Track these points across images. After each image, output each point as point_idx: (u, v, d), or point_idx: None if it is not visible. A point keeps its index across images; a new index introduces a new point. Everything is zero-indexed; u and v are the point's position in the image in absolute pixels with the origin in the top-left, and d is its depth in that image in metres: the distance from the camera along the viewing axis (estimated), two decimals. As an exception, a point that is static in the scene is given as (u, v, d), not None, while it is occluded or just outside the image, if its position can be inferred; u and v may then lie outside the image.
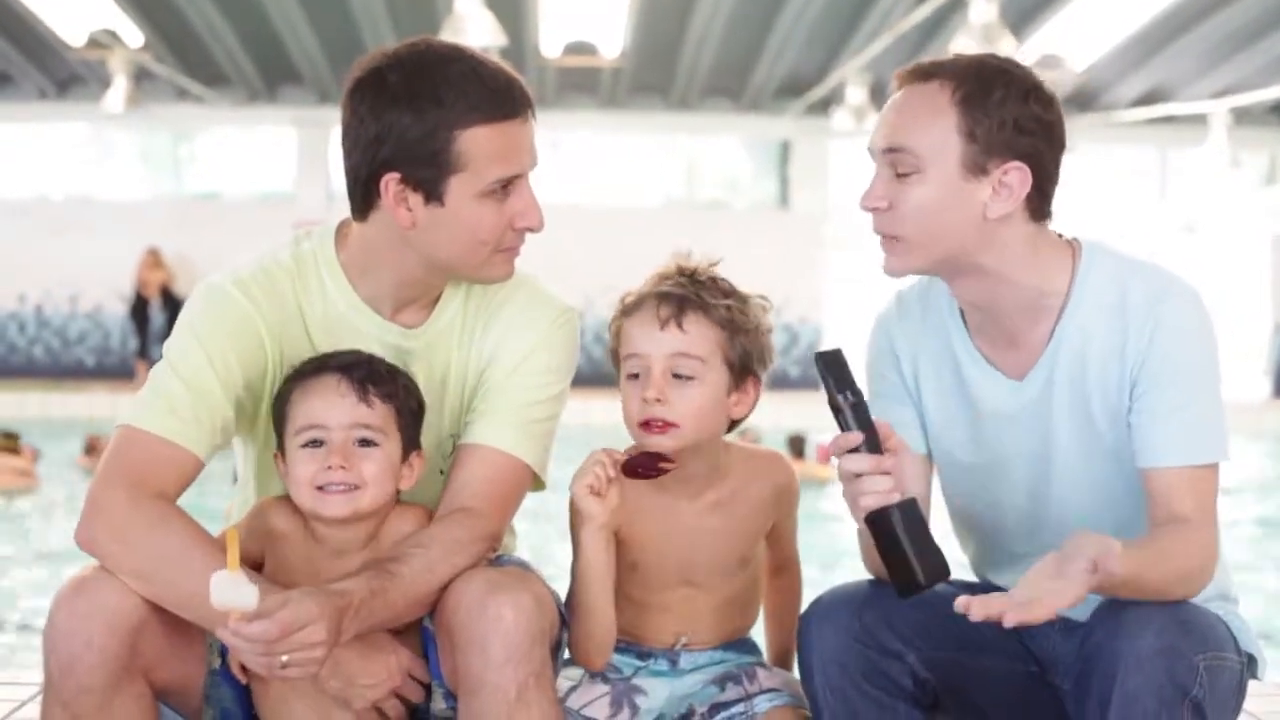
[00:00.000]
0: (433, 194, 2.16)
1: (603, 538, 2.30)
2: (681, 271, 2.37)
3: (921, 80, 2.15)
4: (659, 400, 2.28)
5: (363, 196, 2.21)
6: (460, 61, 2.17)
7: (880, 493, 2.02)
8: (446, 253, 2.21)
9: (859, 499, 2.03)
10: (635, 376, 2.33)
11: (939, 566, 2.02)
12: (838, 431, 2.07)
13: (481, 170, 2.16)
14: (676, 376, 2.30)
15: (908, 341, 2.34)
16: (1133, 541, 2.08)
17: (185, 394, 2.18)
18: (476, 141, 2.14)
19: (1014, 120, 2.10)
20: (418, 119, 2.13)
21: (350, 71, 2.21)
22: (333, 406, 2.18)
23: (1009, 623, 1.87)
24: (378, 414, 2.19)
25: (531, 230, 2.25)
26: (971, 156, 2.11)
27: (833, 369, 2.07)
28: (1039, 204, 2.16)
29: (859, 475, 2.03)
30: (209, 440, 2.20)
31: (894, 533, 2.02)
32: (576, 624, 2.31)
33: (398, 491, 2.24)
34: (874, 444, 2.05)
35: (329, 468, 2.16)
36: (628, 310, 2.37)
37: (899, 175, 2.14)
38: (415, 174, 2.15)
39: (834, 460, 2.08)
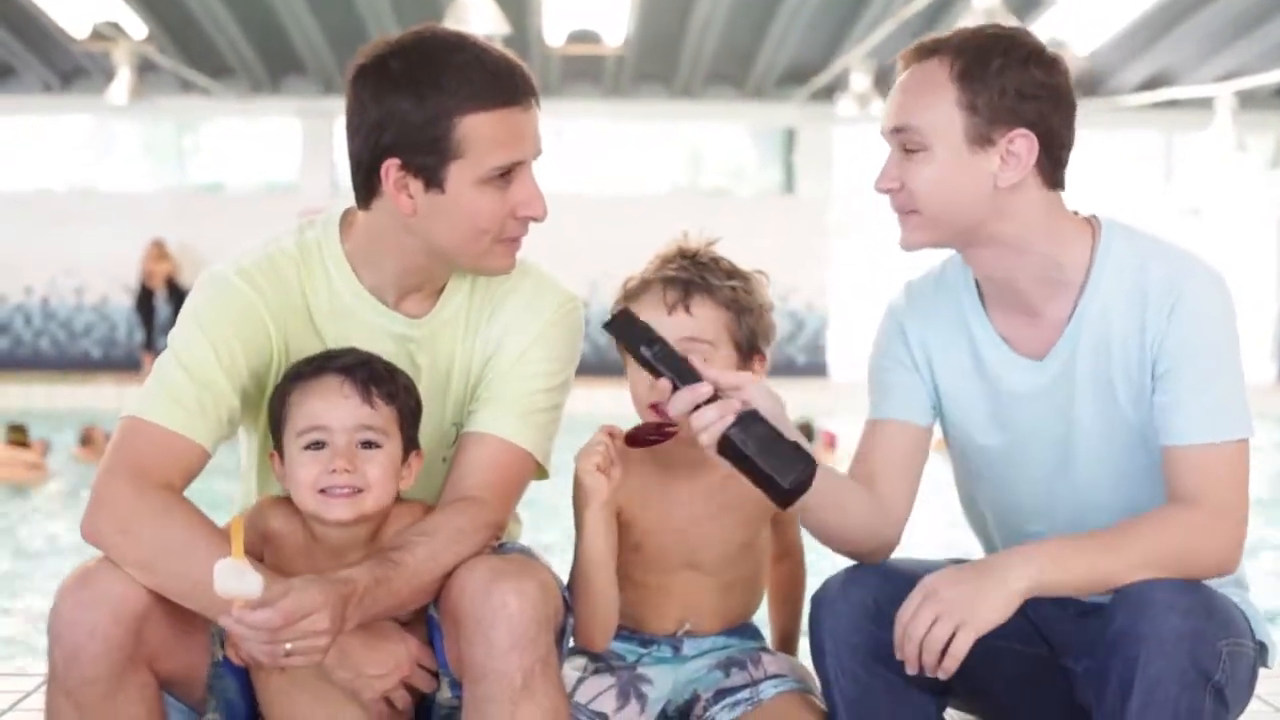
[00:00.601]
0: (433, 180, 2.15)
1: (606, 515, 2.30)
2: (683, 254, 2.38)
3: (923, 58, 2.17)
4: None
5: (365, 183, 2.20)
6: (463, 49, 2.16)
7: (712, 423, 2.01)
8: (447, 240, 2.20)
9: (699, 437, 2.02)
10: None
11: (800, 468, 1.99)
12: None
13: (482, 157, 2.14)
14: None
15: (919, 327, 2.34)
16: (1082, 535, 2.12)
17: (190, 385, 2.17)
18: (477, 128, 2.13)
19: (1015, 88, 2.10)
20: (418, 105, 2.12)
21: (354, 59, 2.20)
22: (335, 408, 2.16)
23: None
24: (381, 415, 2.17)
25: (534, 220, 2.23)
26: (975, 128, 2.11)
27: (625, 331, 2.08)
28: (1052, 170, 2.16)
29: (690, 415, 2.03)
30: (215, 431, 2.19)
31: (741, 453, 2.00)
32: (580, 604, 2.31)
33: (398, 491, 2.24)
34: (689, 378, 2.04)
35: (333, 470, 2.14)
36: (632, 295, 2.37)
37: (908, 153, 2.15)
38: (415, 160, 2.14)
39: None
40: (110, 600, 2.04)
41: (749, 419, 2.01)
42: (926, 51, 2.17)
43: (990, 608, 2.03)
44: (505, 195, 2.18)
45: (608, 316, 2.12)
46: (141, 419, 2.16)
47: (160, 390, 2.18)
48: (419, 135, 2.13)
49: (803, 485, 2.00)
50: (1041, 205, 2.17)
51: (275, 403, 2.21)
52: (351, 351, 2.22)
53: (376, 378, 2.18)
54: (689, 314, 2.32)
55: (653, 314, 2.32)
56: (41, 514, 8.86)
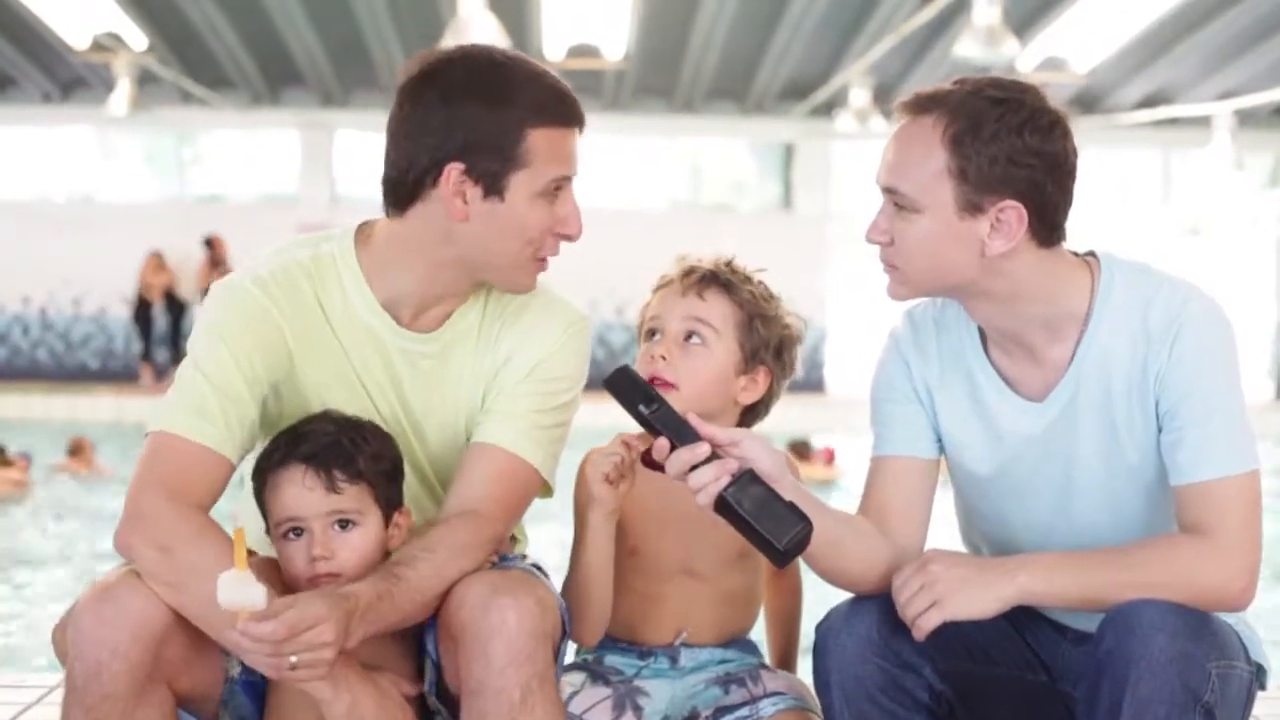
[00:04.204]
0: (493, 188, 2.17)
1: (611, 522, 2.33)
2: (718, 260, 2.47)
3: (919, 113, 2.13)
4: (664, 357, 2.35)
5: (412, 187, 2.20)
6: (526, 65, 2.21)
7: (709, 483, 2.01)
8: (491, 249, 2.21)
9: (696, 497, 2.02)
10: (653, 335, 2.42)
11: (795, 530, 2.00)
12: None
13: (541, 170, 2.17)
14: (690, 343, 2.37)
15: (920, 358, 2.32)
16: (1084, 552, 2.13)
17: (214, 397, 2.16)
18: (541, 141, 2.17)
19: (1006, 156, 2.06)
20: (490, 111, 2.15)
21: (406, 69, 2.23)
22: (302, 499, 2.16)
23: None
24: (350, 496, 2.17)
25: (569, 238, 2.25)
26: (965, 196, 2.08)
27: (624, 390, 2.08)
28: (1046, 233, 2.12)
29: (687, 475, 2.02)
30: (241, 445, 2.20)
31: (739, 514, 2.01)
32: (573, 603, 2.33)
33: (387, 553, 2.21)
34: (687, 437, 2.04)
35: (313, 560, 2.15)
36: (659, 286, 2.46)
37: (899, 209, 2.14)
38: (480, 166, 2.16)
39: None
40: (131, 618, 2.03)
41: (745, 479, 2.02)
42: (923, 107, 2.13)
43: (970, 599, 2.05)
44: (551, 210, 2.21)
45: (609, 373, 2.11)
46: (172, 434, 2.15)
47: (187, 404, 2.17)
48: (489, 141, 2.15)
49: (799, 546, 2.01)
50: (1034, 263, 2.14)
51: (256, 485, 2.23)
52: (319, 429, 2.21)
53: (340, 459, 2.17)
54: (701, 298, 2.39)
55: (669, 295, 2.41)
56: (30, 526, 8.85)
